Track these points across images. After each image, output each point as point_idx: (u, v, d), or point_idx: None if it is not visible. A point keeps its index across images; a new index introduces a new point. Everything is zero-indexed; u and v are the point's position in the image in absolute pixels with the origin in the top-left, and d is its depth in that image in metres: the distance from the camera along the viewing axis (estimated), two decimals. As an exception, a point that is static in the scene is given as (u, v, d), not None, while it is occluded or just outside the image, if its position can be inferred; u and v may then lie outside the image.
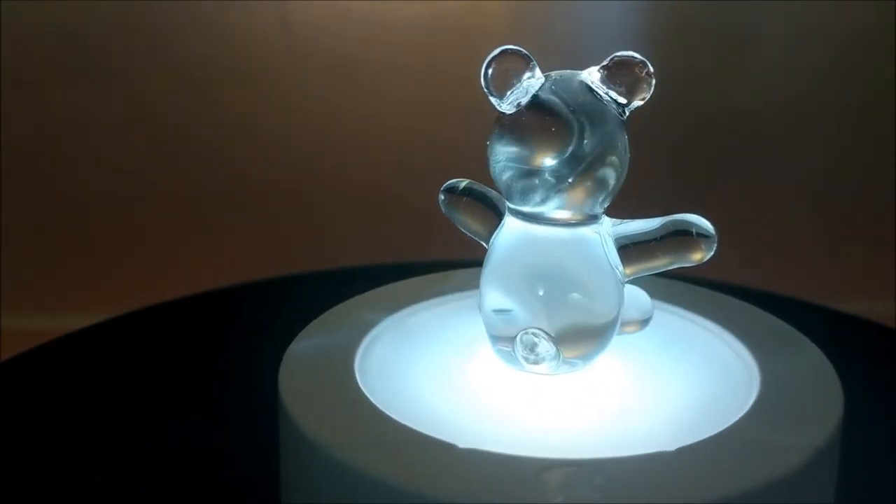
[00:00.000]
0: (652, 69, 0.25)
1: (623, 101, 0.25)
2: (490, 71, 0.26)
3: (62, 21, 0.75)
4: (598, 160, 0.25)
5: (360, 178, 0.81)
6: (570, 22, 0.77)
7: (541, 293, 0.26)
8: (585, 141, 0.25)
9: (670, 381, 0.28)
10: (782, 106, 0.80)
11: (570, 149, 0.25)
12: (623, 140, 0.26)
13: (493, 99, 0.26)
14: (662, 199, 0.75)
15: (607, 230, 0.27)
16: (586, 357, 0.28)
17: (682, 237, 0.26)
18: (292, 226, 0.82)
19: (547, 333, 0.27)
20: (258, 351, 0.35)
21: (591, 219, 0.27)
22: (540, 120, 0.26)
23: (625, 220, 0.27)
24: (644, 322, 0.29)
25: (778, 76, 0.79)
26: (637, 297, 0.29)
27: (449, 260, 0.43)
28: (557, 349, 0.27)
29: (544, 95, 0.26)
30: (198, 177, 0.80)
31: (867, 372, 0.38)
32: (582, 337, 0.27)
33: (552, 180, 0.25)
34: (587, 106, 0.26)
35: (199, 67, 0.77)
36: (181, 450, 0.34)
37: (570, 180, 0.25)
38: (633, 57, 0.25)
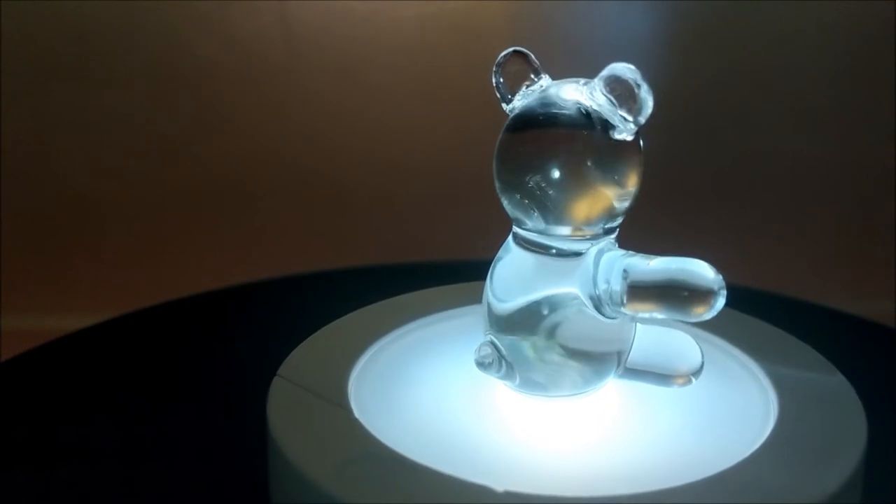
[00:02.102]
0: (645, 87, 0.24)
1: (629, 118, 0.24)
2: (498, 73, 0.26)
3: (62, 21, 0.75)
4: (572, 182, 0.24)
5: (359, 177, 0.81)
6: (570, 22, 0.77)
7: (505, 306, 0.26)
8: (554, 163, 0.24)
9: (667, 415, 0.27)
10: (783, 106, 0.80)
11: (533, 169, 0.25)
12: (610, 160, 0.24)
13: (502, 103, 0.26)
14: (664, 198, 0.75)
15: (609, 256, 0.25)
16: (555, 381, 0.26)
17: (679, 291, 0.23)
18: (292, 225, 0.82)
19: (496, 344, 0.27)
20: (260, 351, 0.35)
21: (585, 240, 0.26)
22: (509, 139, 0.26)
23: (636, 253, 0.25)
24: (693, 374, 0.27)
25: (779, 76, 0.79)
26: (683, 347, 0.27)
27: (450, 260, 0.43)
28: (505, 362, 0.26)
29: (526, 113, 0.25)
30: (198, 177, 0.80)
31: (867, 372, 0.38)
32: (539, 357, 0.26)
33: (525, 200, 0.25)
34: (567, 125, 0.25)
35: (200, 68, 0.77)
36: (182, 449, 0.34)
37: (538, 201, 0.25)
38: (622, 74, 0.24)
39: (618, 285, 0.24)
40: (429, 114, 0.78)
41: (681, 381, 0.27)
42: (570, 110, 0.25)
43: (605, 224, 0.26)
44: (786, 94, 0.79)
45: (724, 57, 0.78)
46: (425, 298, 0.35)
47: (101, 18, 0.75)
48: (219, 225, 0.82)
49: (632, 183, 0.25)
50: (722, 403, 0.28)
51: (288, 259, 0.79)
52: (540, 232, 0.26)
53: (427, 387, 0.29)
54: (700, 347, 0.27)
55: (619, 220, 0.26)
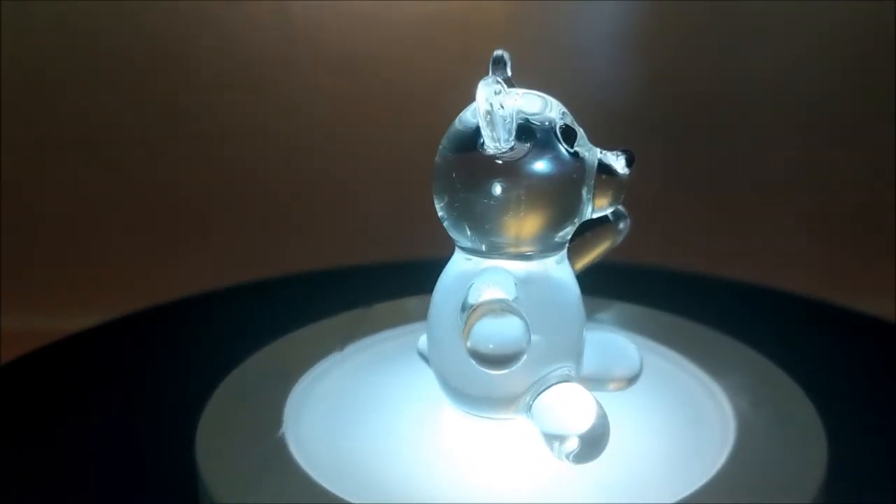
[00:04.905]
0: (487, 106, 0.23)
1: (486, 136, 0.24)
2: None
3: (63, 21, 0.75)
4: (459, 199, 0.25)
5: (361, 177, 0.81)
6: (571, 22, 0.77)
7: (432, 317, 0.27)
8: (443, 179, 0.25)
9: (621, 439, 0.26)
10: (782, 104, 0.80)
11: (440, 187, 0.25)
12: (485, 177, 0.24)
13: None
14: (663, 198, 0.75)
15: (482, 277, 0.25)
16: (457, 394, 0.26)
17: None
18: (295, 225, 0.82)
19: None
20: (258, 351, 0.35)
21: (468, 252, 0.26)
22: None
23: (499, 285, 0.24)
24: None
25: (780, 74, 0.79)
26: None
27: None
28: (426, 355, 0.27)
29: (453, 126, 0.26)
30: (199, 177, 0.80)
31: (867, 371, 0.38)
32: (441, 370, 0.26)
33: (440, 214, 0.26)
34: (457, 141, 0.25)
35: (201, 67, 0.77)
36: (183, 449, 0.33)
37: (445, 215, 0.26)
38: (479, 88, 0.23)
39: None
40: (429, 113, 0.77)
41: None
42: (466, 126, 0.25)
43: (528, 244, 0.25)
44: (787, 94, 0.79)
45: (724, 57, 0.78)
46: (385, 311, 0.35)
47: (100, 18, 0.75)
48: (220, 225, 0.82)
49: (526, 202, 0.24)
50: (677, 425, 0.27)
51: (289, 258, 0.79)
52: (462, 248, 0.26)
53: (369, 415, 0.29)
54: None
55: (544, 240, 0.25)
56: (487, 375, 0.23)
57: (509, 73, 0.26)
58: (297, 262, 0.61)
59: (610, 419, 0.24)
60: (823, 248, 0.82)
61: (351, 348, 0.33)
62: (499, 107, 0.23)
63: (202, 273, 0.78)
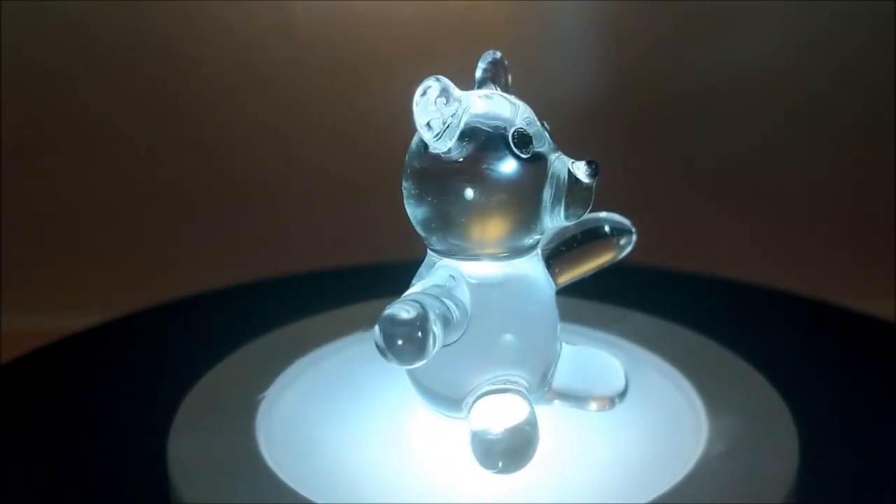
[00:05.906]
0: (417, 106, 0.23)
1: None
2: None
3: (63, 20, 0.75)
4: (411, 197, 0.25)
5: (361, 177, 0.80)
6: (571, 23, 0.77)
7: None
8: (403, 178, 0.25)
9: (592, 440, 0.26)
10: (782, 104, 0.80)
11: (403, 186, 0.25)
12: (430, 176, 0.24)
13: None
14: (664, 197, 0.75)
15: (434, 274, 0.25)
16: (421, 389, 0.26)
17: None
18: (295, 225, 0.82)
19: None
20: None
21: (435, 254, 0.26)
22: None
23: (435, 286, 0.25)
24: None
25: (779, 75, 0.79)
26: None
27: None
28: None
29: None
30: (199, 177, 0.80)
31: (869, 369, 0.38)
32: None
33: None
34: (415, 140, 0.25)
35: (201, 67, 0.77)
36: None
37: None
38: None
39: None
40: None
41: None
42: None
43: (487, 246, 0.25)
44: (787, 94, 0.79)
45: (724, 57, 0.78)
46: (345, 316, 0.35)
47: (100, 18, 0.75)
48: (220, 225, 0.82)
49: (468, 204, 0.24)
50: (649, 426, 0.27)
51: (289, 258, 0.79)
52: (431, 249, 0.26)
53: (342, 417, 0.29)
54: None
55: (503, 244, 0.25)
56: (443, 371, 0.23)
57: (481, 74, 0.26)
58: (297, 262, 0.61)
59: (586, 424, 0.25)
60: (823, 248, 0.82)
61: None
62: (424, 107, 0.23)
63: (202, 273, 0.78)
